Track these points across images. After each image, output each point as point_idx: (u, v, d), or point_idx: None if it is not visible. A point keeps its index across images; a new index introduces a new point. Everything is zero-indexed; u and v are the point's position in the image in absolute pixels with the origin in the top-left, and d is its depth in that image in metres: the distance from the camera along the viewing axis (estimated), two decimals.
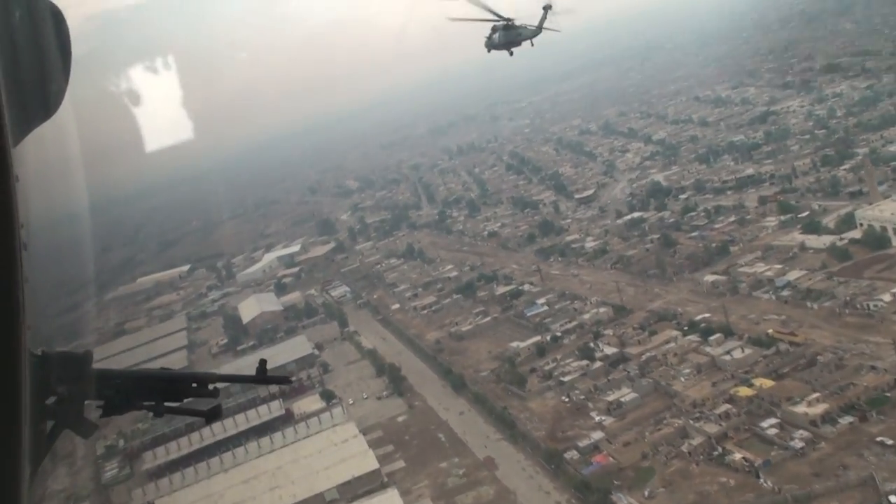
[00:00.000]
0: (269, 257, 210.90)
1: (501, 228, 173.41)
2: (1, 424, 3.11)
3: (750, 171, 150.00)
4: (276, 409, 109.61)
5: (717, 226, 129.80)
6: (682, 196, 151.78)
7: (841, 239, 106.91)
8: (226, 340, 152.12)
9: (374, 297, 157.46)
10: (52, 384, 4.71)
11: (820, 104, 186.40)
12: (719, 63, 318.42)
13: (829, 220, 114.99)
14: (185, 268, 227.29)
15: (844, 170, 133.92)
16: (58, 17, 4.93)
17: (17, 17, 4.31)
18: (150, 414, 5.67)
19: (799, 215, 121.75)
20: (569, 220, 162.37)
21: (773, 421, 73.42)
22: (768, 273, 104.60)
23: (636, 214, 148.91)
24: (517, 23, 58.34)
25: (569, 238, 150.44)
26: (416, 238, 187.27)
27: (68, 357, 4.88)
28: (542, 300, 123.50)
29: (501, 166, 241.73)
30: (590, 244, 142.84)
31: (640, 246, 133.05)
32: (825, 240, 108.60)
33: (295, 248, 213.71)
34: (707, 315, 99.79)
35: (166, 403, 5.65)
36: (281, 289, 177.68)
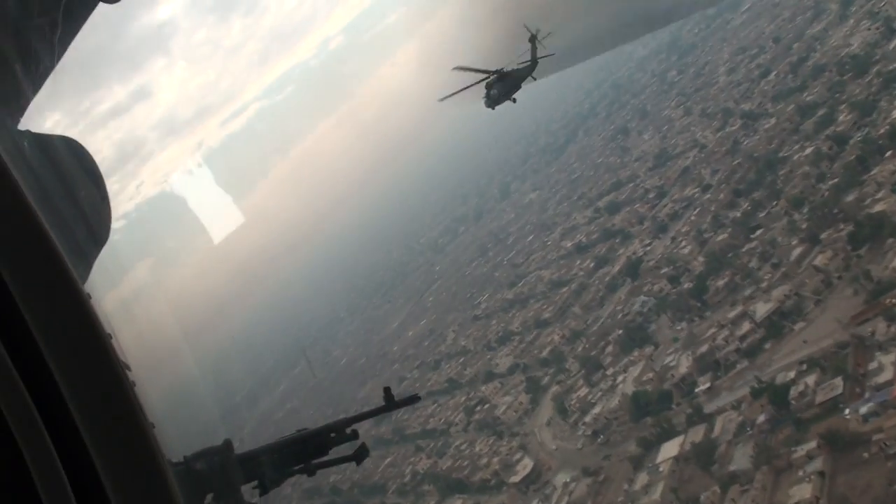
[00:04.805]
0: None
1: None
2: None
3: None
4: None
5: None
6: None
7: None
8: None
9: None
10: (205, 483, 4.78)
11: None
12: None
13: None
14: None
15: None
16: (76, 148, 4.77)
17: (41, 165, 4.21)
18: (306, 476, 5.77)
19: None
20: None
21: None
22: None
23: None
24: (507, 68, 53.70)
25: None
26: None
27: (210, 452, 4.96)
28: None
29: None
30: None
31: None
32: None
33: None
34: None
35: (314, 461, 5.72)
36: None
